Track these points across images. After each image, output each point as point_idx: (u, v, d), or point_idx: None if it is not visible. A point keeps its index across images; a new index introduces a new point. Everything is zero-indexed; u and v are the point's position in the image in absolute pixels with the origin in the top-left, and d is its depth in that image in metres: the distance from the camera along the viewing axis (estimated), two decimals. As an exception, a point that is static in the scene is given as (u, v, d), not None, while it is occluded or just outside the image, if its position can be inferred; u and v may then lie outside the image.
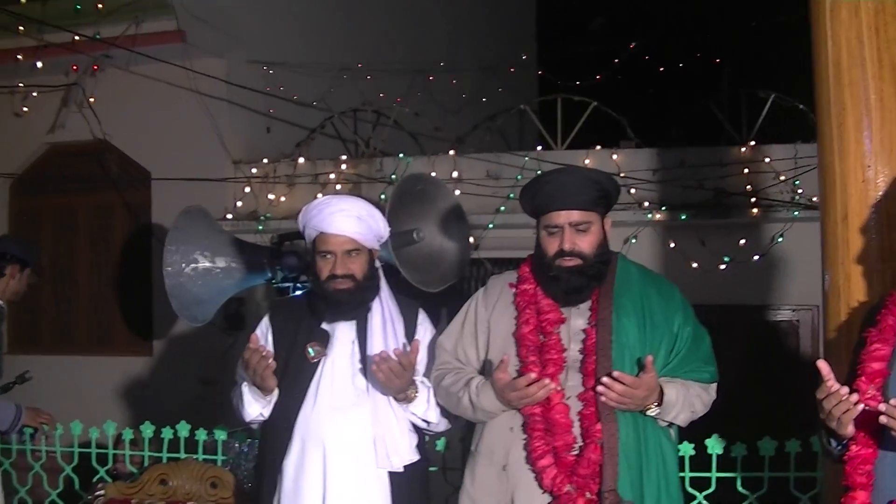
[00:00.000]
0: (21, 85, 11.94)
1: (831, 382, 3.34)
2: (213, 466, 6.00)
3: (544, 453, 4.10)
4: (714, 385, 4.35)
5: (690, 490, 5.61)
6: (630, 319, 4.19)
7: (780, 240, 9.90)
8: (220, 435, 6.32)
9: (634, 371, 4.08)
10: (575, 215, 4.20)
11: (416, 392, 4.61)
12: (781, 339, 10.55)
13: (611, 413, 4.03)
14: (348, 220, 4.60)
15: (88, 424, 6.67)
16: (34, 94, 11.94)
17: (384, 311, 4.71)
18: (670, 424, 4.28)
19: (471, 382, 4.39)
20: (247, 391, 4.65)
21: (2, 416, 6.16)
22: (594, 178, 4.33)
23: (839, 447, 3.52)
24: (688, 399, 4.20)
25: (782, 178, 9.95)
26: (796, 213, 9.80)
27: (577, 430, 4.12)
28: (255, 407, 4.67)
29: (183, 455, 6.35)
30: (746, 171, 10.10)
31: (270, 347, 4.75)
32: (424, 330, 4.85)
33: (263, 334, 4.84)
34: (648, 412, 4.12)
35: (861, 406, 3.32)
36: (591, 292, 4.28)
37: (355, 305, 4.67)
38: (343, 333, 4.71)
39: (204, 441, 6.38)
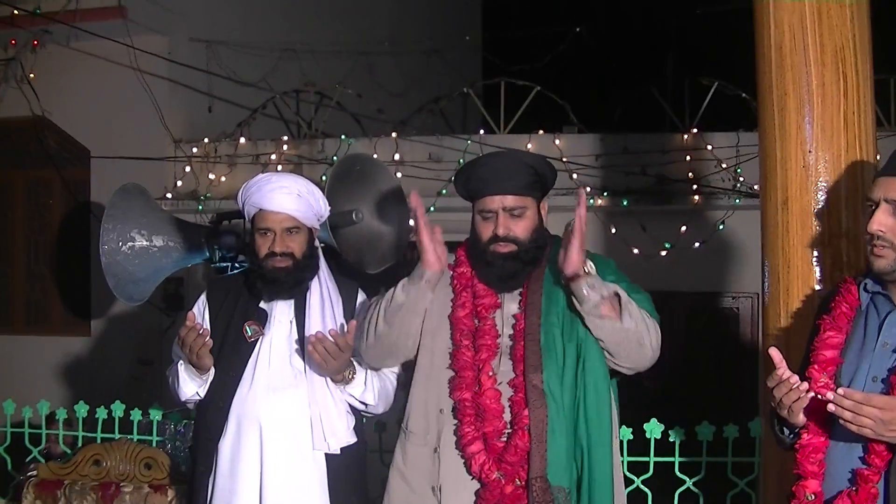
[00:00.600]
0: (-42, 61, 11.81)
1: (782, 370, 3.32)
2: (147, 447, 5.93)
3: (474, 439, 4.04)
4: (658, 329, 4.13)
5: (628, 474, 5.60)
6: (560, 301, 4.13)
7: (721, 227, 9.96)
8: (156, 415, 6.27)
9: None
10: (509, 200, 4.08)
11: (354, 373, 4.56)
12: (722, 326, 10.62)
13: (539, 398, 3.97)
14: (288, 198, 4.53)
15: (22, 404, 6.58)
16: (-29, 68, 11.81)
17: (323, 291, 4.66)
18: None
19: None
20: (182, 370, 4.59)
21: None
22: (529, 161, 4.21)
23: (791, 436, 3.51)
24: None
25: (724, 165, 10.00)
26: (738, 200, 9.86)
27: (508, 416, 4.07)
28: (191, 386, 4.61)
29: (117, 435, 6.29)
30: (689, 158, 10.16)
31: (207, 325, 4.69)
32: (361, 308, 4.81)
33: (200, 312, 4.77)
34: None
35: (811, 394, 3.30)
36: (526, 278, 4.17)
37: (293, 284, 4.62)
38: (281, 313, 4.67)
39: (139, 421, 6.32)
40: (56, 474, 5.79)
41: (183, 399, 4.68)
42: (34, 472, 5.85)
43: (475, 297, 4.22)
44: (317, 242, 4.73)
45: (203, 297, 4.84)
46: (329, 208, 4.80)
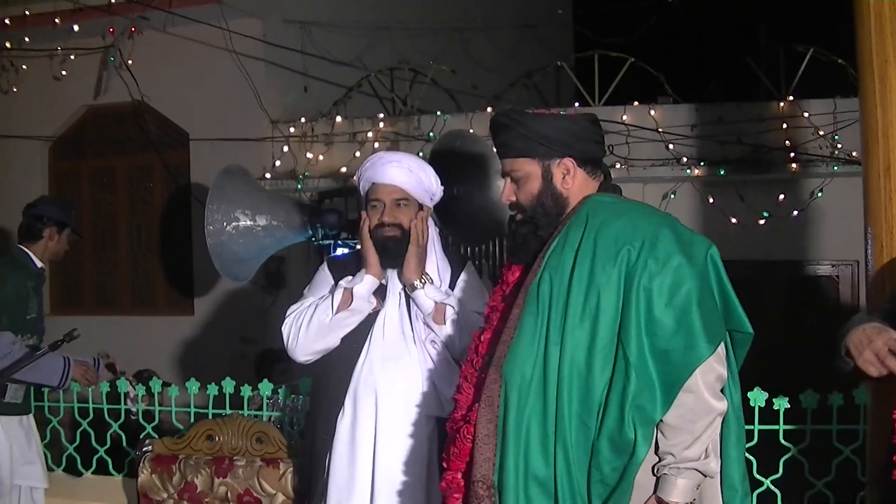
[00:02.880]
0: (59, 49, 12.00)
1: None
2: (258, 422, 6.04)
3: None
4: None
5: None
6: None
7: (819, 195, 9.88)
8: (265, 390, 6.38)
9: None
10: (504, 165, 3.85)
11: (428, 282, 4.67)
12: (821, 294, 10.54)
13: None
14: (398, 171, 4.67)
15: (132, 382, 6.74)
16: (72, 57, 12.00)
17: (432, 262, 4.76)
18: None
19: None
20: (335, 303, 4.65)
21: (51, 372, 6.16)
22: (521, 125, 3.83)
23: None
24: None
25: (821, 132, 9.91)
26: (836, 167, 9.78)
27: None
28: (363, 299, 4.69)
29: (228, 411, 6.42)
30: (785, 126, 10.08)
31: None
32: (468, 276, 4.88)
33: (323, 275, 4.93)
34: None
35: None
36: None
37: (401, 253, 4.71)
38: (393, 284, 4.77)
39: (249, 397, 6.43)
40: (170, 450, 5.92)
41: (312, 351, 4.74)
42: (149, 448, 5.99)
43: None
44: (427, 220, 4.80)
45: (325, 268, 4.95)
46: (438, 191, 4.86)
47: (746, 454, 5.33)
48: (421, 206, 4.74)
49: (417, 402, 4.62)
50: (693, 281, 3.41)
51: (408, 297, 4.72)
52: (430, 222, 4.81)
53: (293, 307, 4.85)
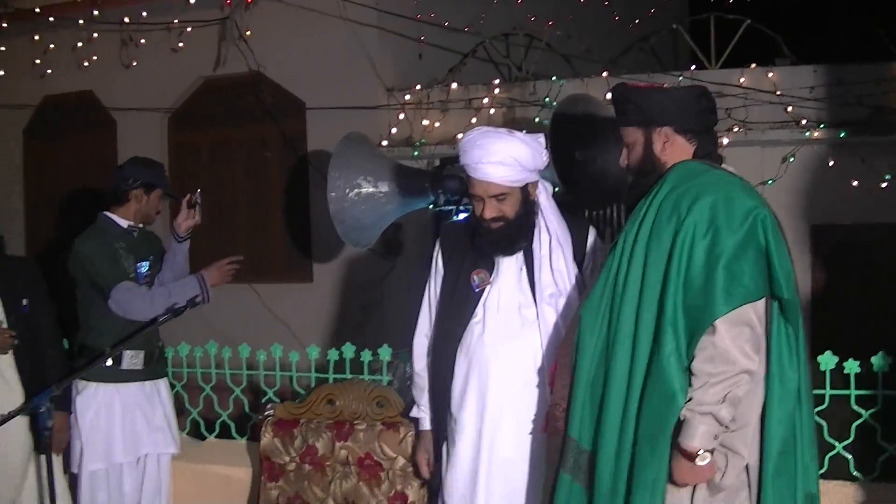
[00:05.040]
0: (176, 21, 12.14)
1: None
2: (378, 386, 6.08)
3: None
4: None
5: (856, 408, 5.57)
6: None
7: (942, 156, 9.70)
8: (385, 355, 6.41)
9: None
10: (620, 133, 4.30)
11: None
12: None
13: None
14: (493, 168, 4.58)
15: (255, 348, 6.81)
16: (188, 29, 12.13)
17: (551, 239, 4.72)
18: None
19: None
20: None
21: (187, 291, 6.13)
22: (625, 97, 4.31)
23: None
24: None
25: (944, 92, 9.72)
26: (960, 127, 9.59)
27: None
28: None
29: (349, 376, 6.47)
30: (906, 87, 9.89)
31: (441, 271, 4.86)
32: (594, 250, 4.84)
33: (435, 259, 4.96)
34: None
35: None
36: None
37: (511, 243, 4.70)
38: (509, 261, 4.75)
39: (369, 362, 6.48)
40: (292, 414, 5.98)
41: None
42: (271, 412, 6.05)
43: None
44: (540, 188, 4.77)
45: (437, 244, 4.97)
46: (547, 157, 4.82)
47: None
48: (527, 185, 4.71)
49: (529, 384, 4.62)
50: (728, 244, 3.71)
51: (529, 275, 4.70)
52: (542, 188, 4.78)
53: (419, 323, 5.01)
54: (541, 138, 4.75)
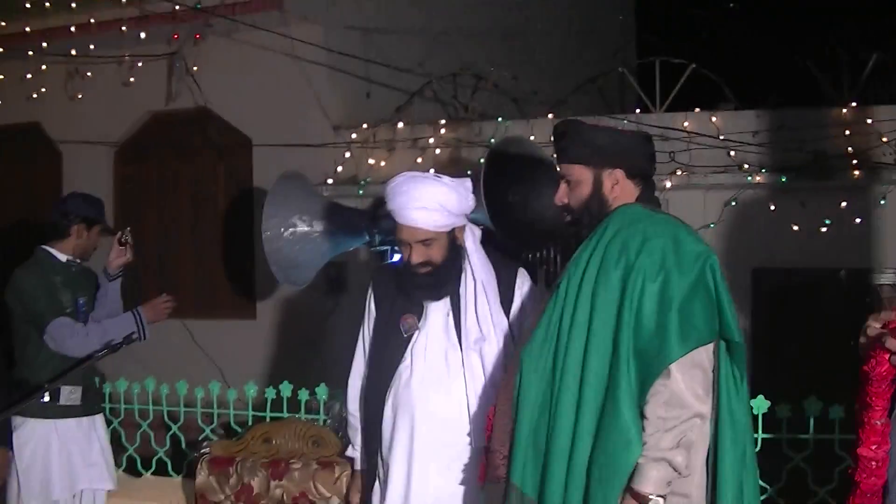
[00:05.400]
0: (125, 56, 12.13)
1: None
2: (314, 425, 6.10)
3: None
4: None
5: (786, 452, 5.64)
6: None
7: (883, 203, 9.79)
8: (322, 394, 6.42)
9: None
10: (560, 169, 4.25)
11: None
12: (885, 303, 10.44)
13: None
14: (418, 213, 4.60)
15: (193, 385, 6.80)
16: (139, 64, 12.13)
17: (476, 284, 4.73)
18: None
19: None
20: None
21: (124, 327, 6.10)
22: (579, 135, 4.22)
23: None
24: None
25: (885, 139, 9.82)
26: (900, 175, 9.69)
27: None
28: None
29: (286, 414, 6.47)
30: (848, 132, 9.98)
31: (373, 313, 4.91)
32: (521, 293, 4.86)
33: (367, 302, 5.00)
34: None
35: None
36: None
37: (437, 287, 4.73)
38: (437, 307, 4.77)
39: (306, 401, 6.49)
40: (229, 452, 5.98)
41: None
42: (207, 450, 6.05)
43: None
44: (461, 239, 4.79)
45: (370, 288, 5.00)
46: (473, 202, 4.84)
47: (801, 463, 5.34)
48: (453, 229, 4.74)
49: (457, 431, 4.65)
50: (679, 288, 3.69)
51: (456, 321, 4.73)
52: (468, 233, 4.80)
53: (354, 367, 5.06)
54: (467, 183, 4.79)
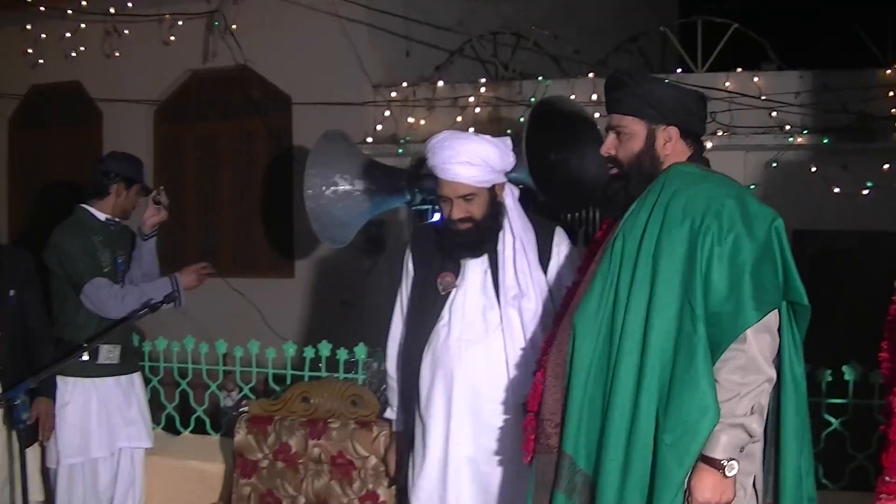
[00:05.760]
0: (165, 14, 12.14)
1: None
2: (353, 385, 6.09)
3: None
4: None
5: (827, 416, 5.62)
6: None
7: (925, 165, 9.71)
8: (361, 354, 6.42)
9: None
10: (612, 119, 4.02)
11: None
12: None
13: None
14: (461, 167, 4.60)
15: (233, 344, 6.81)
16: (178, 22, 12.13)
17: (515, 241, 4.74)
18: None
19: None
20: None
21: (159, 294, 6.06)
22: (638, 86, 4.00)
23: None
24: None
25: (929, 101, 9.73)
26: (943, 137, 9.59)
27: None
28: None
29: (324, 374, 6.47)
30: (892, 94, 9.88)
31: (412, 273, 4.91)
32: (559, 252, 4.85)
33: (405, 262, 5.00)
34: None
35: None
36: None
37: (477, 244, 4.72)
38: (475, 264, 4.77)
39: (345, 360, 6.48)
40: (266, 411, 5.99)
41: None
42: (246, 409, 6.07)
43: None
44: (508, 190, 4.79)
45: (409, 247, 5.01)
46: (514, 159, 4.84)
47: (840, 427, 5.30)
48: (494, 186, 4.73)
49: (495, 387, 4.65)
50: (750, 251, 3.56)
51: (494, 279, 4.72)
52: (508, 191, 4.79)
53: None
54: (508, 140, 4.78)
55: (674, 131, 3.94)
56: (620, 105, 3.99)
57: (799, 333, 3.75)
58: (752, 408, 3.56)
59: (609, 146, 4.00)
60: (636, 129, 3.95)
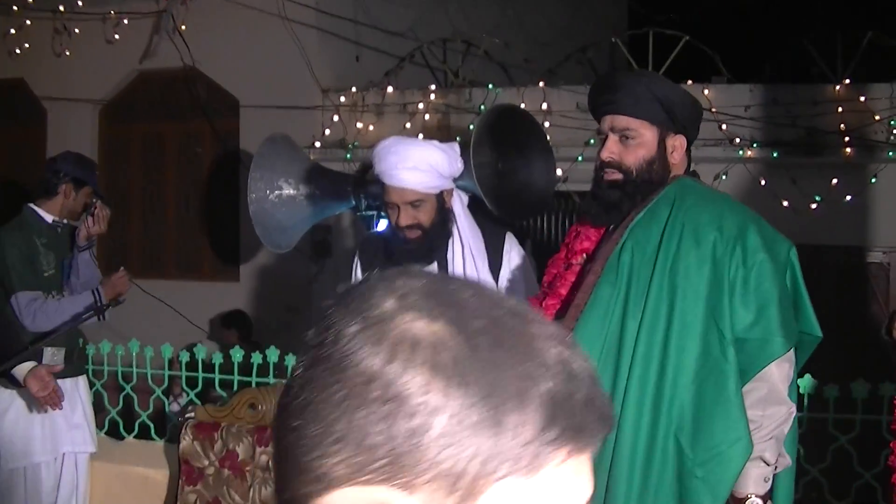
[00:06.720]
0: (112, 13, 12.02)
1: None
2: (301, 392, 6.04)
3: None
4: None
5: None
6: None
7: (873, 181, 9.76)
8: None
9: None
10: (615, 121, 3.73)
11: None
12: (872, 281, 10.44)
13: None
14: (408, 173, 4.56)
15: (178, 348, 6.75)
16: (125, 21, 12.03)
17: (464, 248, 4.71)
18: None
19: None
20: None
21: (80, 303, 6.03)
22: (654, 89, 3.73)
23: None
24: None
25: (878, 117, 9.78)
26: (891, 153, 9.65)
27: None
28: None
29: (272, 380, 6.41)
30: (840, 110, 9.95)
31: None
32: (510, 259, 4.83)
33: (353, 271, 4.98)
34: None
35: None
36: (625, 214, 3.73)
37: (426, 252, 4.68)
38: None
39: (293, 366, 6.42)
40: (213, 417, 5.94)
41: None
42: (192, 415, 6.01)
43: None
44: (456, 197, 4.77)
45: (356, 256, 4.97)
46: (462, 166, 4.81)
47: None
48: (442, 192, 4.69)
49: None
50: (775, 278, 3.42)
51: None
52: (456, 197, 4.77)
53: None
54: (456, 146, 4.76)
55: (682, 141, 3.78)
56: (626, 106, 3.72)
57: (797, 364, 3.61)
58: (773, 436, 3.43)
59: (611, 149, 3.73)
60: (647, 133, 3.71)
